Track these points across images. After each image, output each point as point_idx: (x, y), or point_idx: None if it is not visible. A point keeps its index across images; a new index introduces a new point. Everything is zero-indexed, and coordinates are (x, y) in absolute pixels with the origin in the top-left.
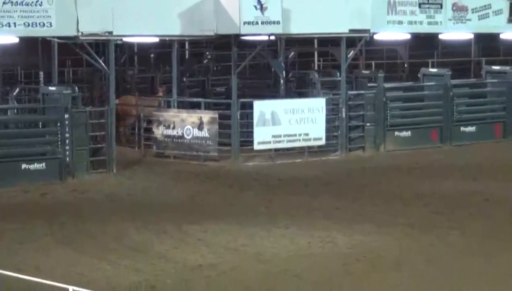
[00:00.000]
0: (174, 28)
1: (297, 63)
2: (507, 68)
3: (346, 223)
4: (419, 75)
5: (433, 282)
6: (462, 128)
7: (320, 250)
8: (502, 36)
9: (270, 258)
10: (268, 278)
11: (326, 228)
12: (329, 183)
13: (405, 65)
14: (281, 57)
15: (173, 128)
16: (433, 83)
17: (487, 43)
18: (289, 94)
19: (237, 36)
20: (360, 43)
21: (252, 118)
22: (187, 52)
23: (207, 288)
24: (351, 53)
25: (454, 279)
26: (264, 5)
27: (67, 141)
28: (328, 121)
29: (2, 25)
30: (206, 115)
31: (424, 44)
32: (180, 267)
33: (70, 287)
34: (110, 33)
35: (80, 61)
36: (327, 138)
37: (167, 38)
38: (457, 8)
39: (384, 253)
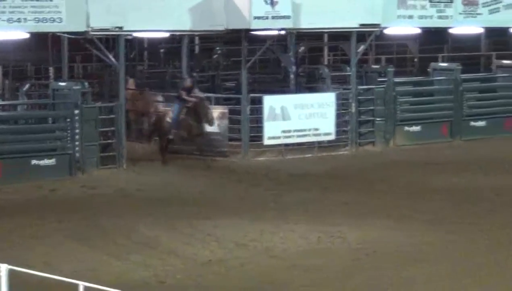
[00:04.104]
0: (184, 23)
1: (307, 58)
2: None
3: (356, 218)
4: (429, 69)
5: (447, 277)
6: (472, 123)
7: (330, 245)
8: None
9: (280, 254)
10: (277, 273)
11: (336, 223)
12: (339, 178)
13: (415, 60)
14: (291, 52)
15: None
16: (443, 77)
17: (497, 37)
18: (299, 89)
19: (248, 31)
20: (370, 38)
21: (262, 113)
22: (197, 47)
23: (216, 284)
24: (361, 48)
25: (469, 273)
26: (274, 0)
27: (77, 137)
28: (338, 116)
29: (13, 21)
30: (216, 111)
31: (435, 39)
32: (190, 263)
33: (81, 283)
34: (120, 28)
35: (91, 57)
36: (337, 133)
37: (177, 33)
38: (467, 2)
39: (395, 248)
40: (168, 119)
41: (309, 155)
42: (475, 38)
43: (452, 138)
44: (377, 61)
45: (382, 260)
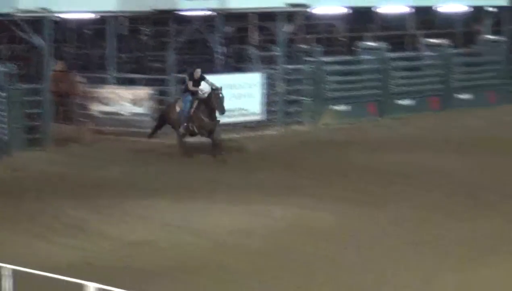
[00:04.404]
0: (110, 4)
1: (237, 38)
2: (443, 41)
3: (284, 197)
4: (356, 48)
5: (372, 253)
6: (399, 102)
7: (258, 224)
8: (438, 9)
9: (208, 234)
10: (206, 253)
11: (264, 202)
12: (266, 157)
13: (344, 39)
14: (219, 32)
15: (110, 105)
16: (370, 57)
17: (424, 16)
18: (227, 70)
19: (176, 11)
20: (298, 17)
21: None
22: (125, 28)
23: (145, 265)
24: (289, 27)
25: (392, 250)
26: None
27: (4, 119)
28: (268, 96)
29: None
30: (143, 92)
31: (362, 18)
32: (118, 244)
33: (8, 266)
34: (46, 9)
35: (18, 38)
36: (266, 113)
37: (103, 14)
38: None
39: (322, 226)
40: (177, 109)
41: (237, 135)
42: (402, 17)
43: (380, 117)
44: (306, 41)
45: (309, 238)
